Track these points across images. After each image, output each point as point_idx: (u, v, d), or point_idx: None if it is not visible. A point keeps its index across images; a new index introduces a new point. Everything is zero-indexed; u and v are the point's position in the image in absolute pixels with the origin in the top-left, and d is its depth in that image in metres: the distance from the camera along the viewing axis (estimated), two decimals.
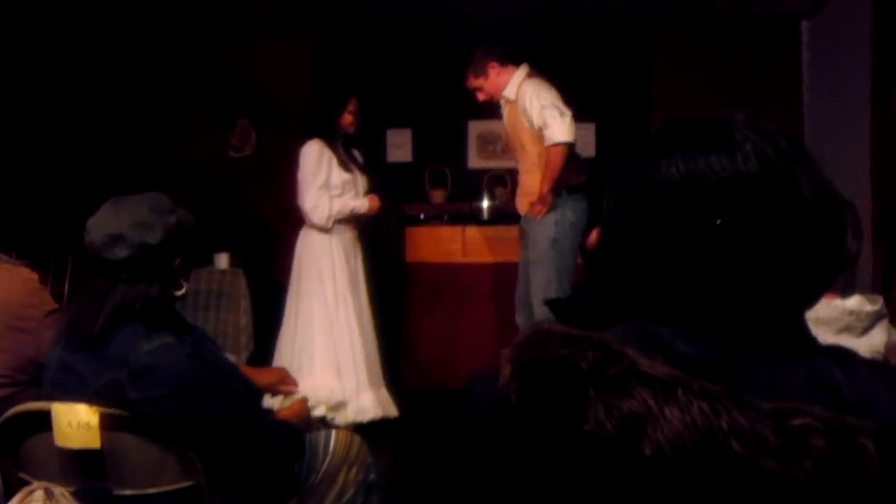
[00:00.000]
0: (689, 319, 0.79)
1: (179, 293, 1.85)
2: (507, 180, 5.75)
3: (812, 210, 0.80)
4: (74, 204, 4.28)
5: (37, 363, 2.06)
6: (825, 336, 1.49)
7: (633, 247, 0.84)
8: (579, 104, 4.55)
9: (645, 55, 5.76)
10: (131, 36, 5.38)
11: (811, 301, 0.83)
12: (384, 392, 4.27)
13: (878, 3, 4.38)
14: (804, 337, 0.82)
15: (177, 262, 1.82)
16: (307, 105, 5.60)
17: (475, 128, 6.05)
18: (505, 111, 4.22)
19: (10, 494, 1.71)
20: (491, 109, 4.40)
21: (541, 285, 3.97)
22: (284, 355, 4.18)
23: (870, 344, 1.71)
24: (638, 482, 0.70)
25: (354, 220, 4.33)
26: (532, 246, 4.06)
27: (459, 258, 5.18)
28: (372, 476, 2.08)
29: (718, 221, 0.79)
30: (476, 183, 5.84)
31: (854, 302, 1.74)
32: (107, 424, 1.67)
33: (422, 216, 5.55)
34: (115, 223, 1.73)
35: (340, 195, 4.19)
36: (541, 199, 3.96)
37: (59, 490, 1.58)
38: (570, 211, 4.01)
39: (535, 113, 3.96)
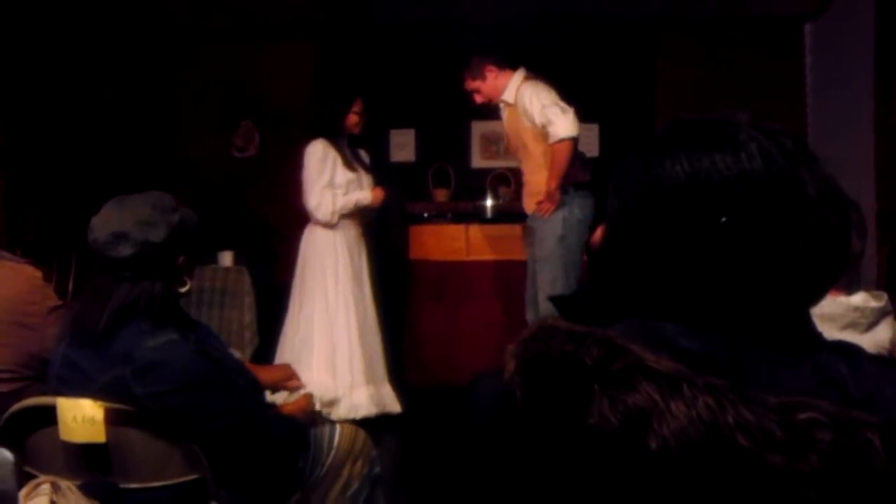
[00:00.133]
0: (694, 316, 0.79)
1: (183, 290, 1.85)
2: (510, 179, 5.76)
3: (817, 208, 0.80)
4: (78, 203, 4.30)
5: (41, 359, 2.07)
6: (830, 332, 1.49)
7: (637, 245, 0.84)
8: (583, 105, 4.55)
9: (649, 57, 5.75)
10: (134, 39, 5.39)
11: (816, 298, 0.83)
12: (387, 388, 4.28)
13: (882, 5, 4.37)
14: (809, 333, 0.82)
15: (180, 260, 1.83)
16: (309, 106, 5.60)
17: (478, 128, 6.06)
18: (505, 115, 4.24)
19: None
20: (494, 109, 4.41)
21: (548, 282, 3.98)
22: (286, 352, 4.19)
23: (875, 340, 1.71)
24: (643, 476, 0.70)
25: (359, 218, 4.33)
26: (539, 243, 4.07)
27: (463, 256, 5.18)
28: (376, 470, 2.09)
29: (723, 220, 0.79)
30: (479, 182, 5.85)
31: (859, 298, 1.74)
32: (112, 419, 1.68)
33: (425, 215, 5.56)
34: (119, 221, 1.74)
35: (345, 194, 4.20)
36: (548, 196, 3.98)
37: (65, 484, 1.59)
38: (578, 208, 4.03)
39: (537, 112, 3.98)
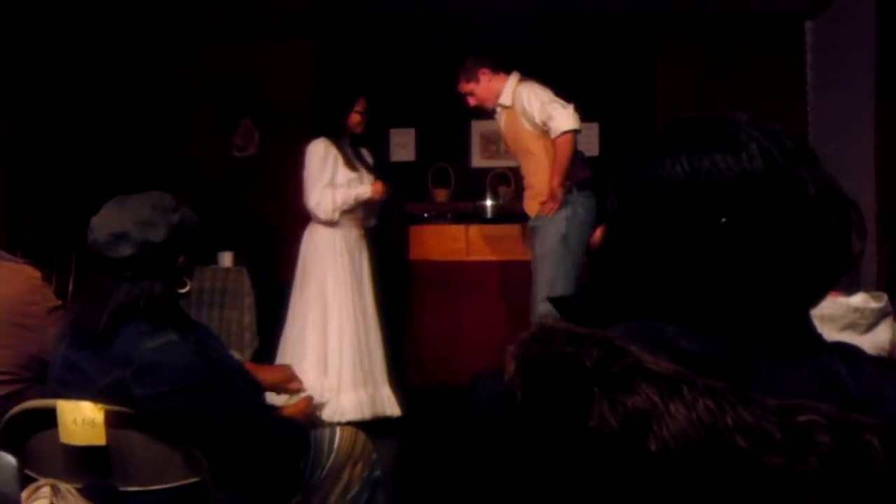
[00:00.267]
0: (694, 317, 0.79)
1: (183, 291, 1.85)
2: (510, 179, 5.76)
3: (817, 208, 0.80)
4: (78, 203, 4.30)
5: (41, 360, 2.07)
6: (830, 333, 1.49)
7: (637, 245, 0.84)
8: (583, 104, 4.54)
9: (649, 55, 5.75)
10: (134, 36, 5.38)
11: (816, 299, 0.83)
12: (386, 391, 4.27)
13: (882, 3, 4.37)
14: (809, 334, 0.82)
15: (180, 261, 1.82)
16: (310, 105, 5.61)
17: (478, 127, 6.06)
18: (502, 119, 4.24)
19: None
20: (494, 109, 4.41)
21: (547, 280, 3.99)
22: (286, 353, 4.20)
23: (874, 341, 1.71)
24: (643, 479, 0.70)
25: (361, 219, 4.32)
26: (542, 241, 4.07)
27: (463, 256, 5.18)
28: (377, 472, 2.09)
29: (723, 220, 0.79)
30: (479, 182, 5.85)
31: (858, 299, 1.74)
32: (112, 421, 1.68)
33: (425, 215, 5.56)
34: (119, 221, 1.74)
35: None
36: (552, 195, 3.99)
37: (65, 486, 1.59)
38: (581, 207, 4.04)
39: (537, 110, 4.00)
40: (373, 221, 4.44)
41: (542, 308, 3.92)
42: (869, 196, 4.30)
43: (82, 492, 1.66)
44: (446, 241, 5.22)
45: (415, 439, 4.02)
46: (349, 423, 3.71)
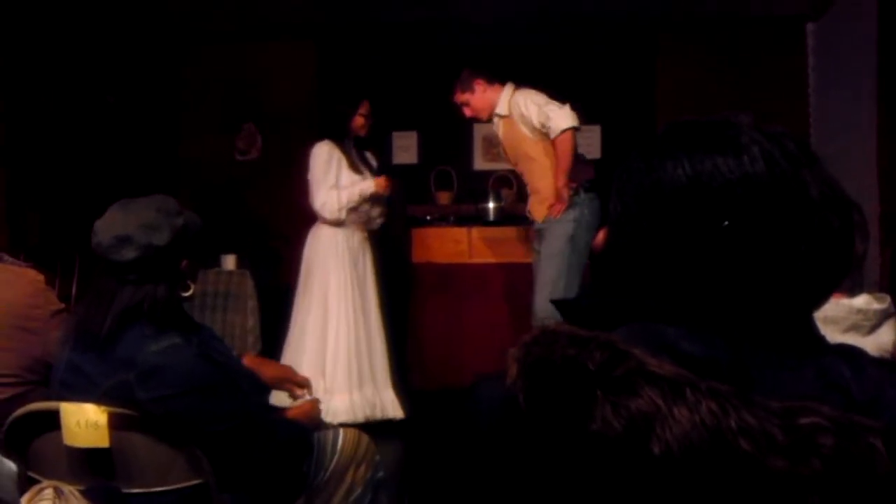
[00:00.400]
0: (696, 320, 0.79)
1: (186, 294, 1.85)
2: (512, 182, 5.76)
3: (819, 211, 0.80)
4: (81, 206, 4.31)
5: (44, 363, 2.07)
6: (833, 335, 1.49)
7: (639, 248, 0.84)
8: (584, 106, 4.55)
9: (650, 57, 5.75)
10: (135, 41, 5.39)
11: (819, 301, 0.83)
12: (389, 394, 4.27)
13: (884, 5, 4.37)
14: (812, 336, 0.82)
15: (184, 264, 1.83)
16: (311, 109, 5.62)
17: (481, 130, 6.05)
18: (501, 129, 4.28)
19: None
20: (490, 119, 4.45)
21: (550, 279, 4.00)
22: (288, 354, 4.21)
23: (878, 342, 1.71)
24: (646, 481, 0.70)
25: (365, 222, 4.33)
26: (548, 242, 4.09)
27: (465, 259, 5.19)
28: (380, 474, 2.09)
29: (725, 223, 0.79)
30: (482, 184, 5.84)
31: (861, 300, 1.74)
32: (115, 424, 1.68)
33: (428, 217, 5.56)
34: (123, 225, 1.74)
35: None
36: (558, 196, 4.01)
37: (68, 489, 1.59)
38: (588, 209, 4.07)
39: (535, 113, 4.04)
40: (379, 222, 4.44)
41: (543, 305, 3.93)
42: (871, 198, 4.29)
43: (85, 494, 1.66)
44: (449, 244, 5.22)
45: (417, 441, 4.02)
46: (344, 425, 3.73)
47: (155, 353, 1.70)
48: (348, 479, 2.01)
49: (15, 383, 2.11)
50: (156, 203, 1.80)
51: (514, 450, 0.78)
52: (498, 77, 4.25)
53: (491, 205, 5.42)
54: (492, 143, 6.09)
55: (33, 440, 1.77)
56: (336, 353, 4.14)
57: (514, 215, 5.12)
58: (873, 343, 1.70)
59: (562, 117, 3.97)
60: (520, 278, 4.50)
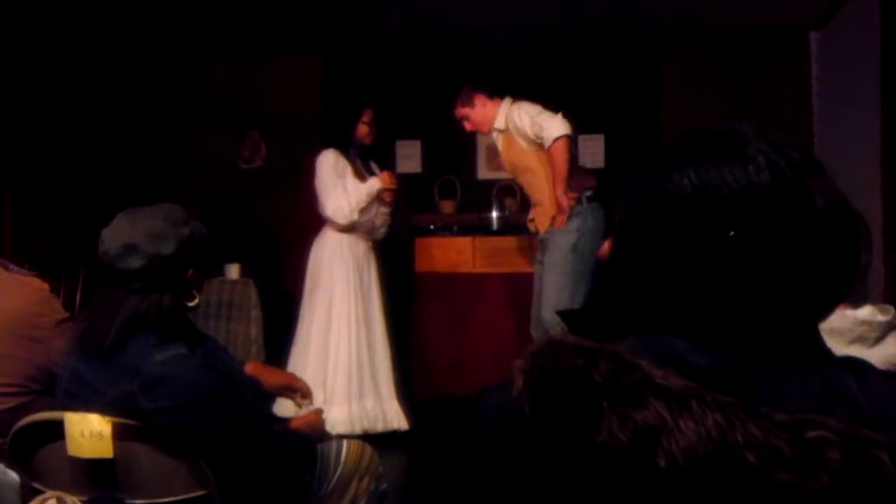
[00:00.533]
0: (703, 331, 0.79)
1: (192, 304, 1.85)
2: (516, 191, 5.76)
3: (825, 221, 0.80)
4: (86, 215, 4.32)
5: (49, 372, 2.07)
6: (837, 347, 1.48)
7: (645, 258, 0.84)
8: (588, 116, 4.57)
9: (654, 66, 5.76)
10: (143, 49, 5.42)
11: (826, 312, 0.83)
12: (394, 405, 4.26)
13: (887, 13, 4.37)
14: (818, 348, 0.82)
15: (190, 273, 1.83)
16: (316, 117, 5.63)
17: (484, 139, 6.05)
18: (501, 144, 4.32)
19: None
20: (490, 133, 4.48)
21: (555, 289, 4.00)
22: (292, 362, 4.21)
23: (882, 354, 1.71)
24: (652, 494, 0.70)
25: (369, 231, 4.34)
26: (552, 251, 4.10)
27: (469, 268, 5.19)
28: (383, 486, 2.08)
29: (731, 233, 0.79)
30: (485, 194, 5.85)
31: (866, 312, 1.74)
32: (119, 434, 1.68)
33: (431, 227, 5.57)
34: (130, 233, 1.74)
35: None
36: (558, 206, 4.01)
37: (71, 499, 1.59)
38: (592, 219, 4.08)
39: (528, 124, 4.08)
40: (382, 231, 4.45)
41: (550, 317, 3.93)
42: (875, 209, 4.29)
43: None
44: (452, 253, 5.22)
45: (421, 452, 4.01)
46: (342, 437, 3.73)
47: (159, 362, 1.70)
48: (352, 490, 2.01)
49: (18, 392, 2.11)
50: (163, 212, 1.80)
51: (520, 461, 0.78)
52: (498, 91, 4.31)
53: (494, 214, 5.42)
54: (495, 153, 6.09)
55: (37, 450, 1.77)
56: (336, 364, 4.13)
57: (517, 225, 5.12)
58: (878, 355, 1.70)
59: (554, 126, 4.00)
60: (523, 288, 4.50)
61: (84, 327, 1.80)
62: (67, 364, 1.80)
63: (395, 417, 4.22)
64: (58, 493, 1.65)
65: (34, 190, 4.45)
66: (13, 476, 1.82)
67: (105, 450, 1.66)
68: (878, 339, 1.73)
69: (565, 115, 4.07)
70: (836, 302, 0.83)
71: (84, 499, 1.68)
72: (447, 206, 5.85)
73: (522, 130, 4.12)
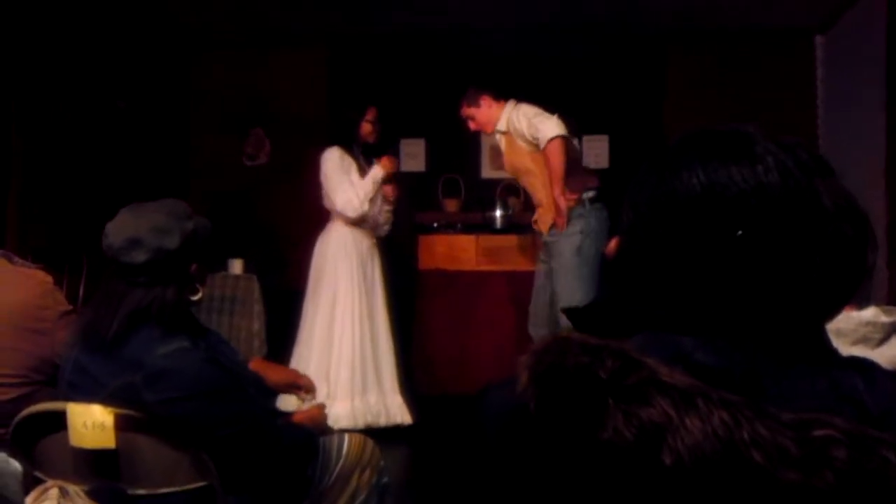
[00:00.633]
0: (710, 330, 0.79)
1: (195, 298, 1.86)
2: (520, 190, 5.76)
3: (833, 221, 0.80)
4: (90, 209, 4.32)
5: (52, 363, 2.08)
6: (842, 347, 1.48)
7: (652, 257, 0.84)
8: (593, 117, 4.57)
9: (658, 68, 5.76)
10: (146, 46, 5.42)
11: (833, 312, 0.83)
12: (398, 400, 4.27)
13: (892, 17, 4.37)
14: (825, 348, 0.82)
15: (193, 268, 1.83)
16: (320, 114, 5.63)
17: (489, 138, 6.04)
18: (503, 146, 4.37)
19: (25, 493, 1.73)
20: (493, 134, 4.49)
21: (566, 293, 4.02)
22: (296, 357, 4.22)
23: (887, 355, 1.71)
24: (657, 492, 0.70)
25: (372, 228, 4.35)
26: (558, 256, 4.12)
27: (472, 266, 5.19)
28: (385, 479, 2.09)
29: (739, 233, 0.79)
30: (489, 192, 5.85)
31: (870, 313, 1.74)
32: (121, 425, 1.68)
33: (435, 225, 5.57)
34: (134, 227, 1.75)
35: None
36: (557, 208, 4.02)
37: (73, 488, 1.59)
38: (594, 220, 4.11)
39: (525, 126, 4.13)
40: (386, 229, 4.46)
41: (566, 320, 3.97)
42: (879, 210, 4.28)
43: (90, 494, 1.66)
44: (456, 251, 5.23)
45: (423, 447, 4.02)
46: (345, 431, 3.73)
47: (163, 355, 1.70)
48: (353, 483, 2.01)
49: (22, 383, 2.12)
50: (167, 207, 1.81)
51: (523, 457, 0.78)
52: (504, 93, 4.35)
53: (498, 213, 5.42)
54: (499, 152, 6.09)
55: (39, 440, 1.77)
56: (340, 359, 4.15)
57: (521, 224, 5.13)
58: (882, 356, 1.69)
59: (548, 127, 4.04)
60: (525, 286, 4.51)
61: (87, 320, 1.80)
62: (71, 356, 1.81)
63: (398, 412, 4.22)
64: (60, 482, 1.65)
65: (39, 186, 4.46)
66: (16, 465, 1.82)
67: (107, 440, 1.67)
68: (882, 341, 1.73)
69: (566, 117, 4.10)
70: (844, 302, 0.83)
71: (86, 488, 1.68)
72: (451, 205, 5.85)
73: (521, 132, 4.17)
